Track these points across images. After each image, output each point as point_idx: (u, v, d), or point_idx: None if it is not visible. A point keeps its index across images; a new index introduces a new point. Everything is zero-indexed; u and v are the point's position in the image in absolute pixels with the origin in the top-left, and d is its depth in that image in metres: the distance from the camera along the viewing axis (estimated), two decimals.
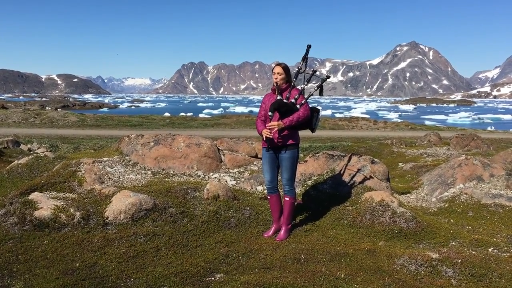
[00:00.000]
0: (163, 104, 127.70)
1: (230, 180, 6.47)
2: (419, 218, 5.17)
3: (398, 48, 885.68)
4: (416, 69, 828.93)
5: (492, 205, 6.12)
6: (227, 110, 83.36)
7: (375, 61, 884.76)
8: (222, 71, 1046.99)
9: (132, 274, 3.71)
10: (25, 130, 29.72)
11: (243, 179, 6.49)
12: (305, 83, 4.74)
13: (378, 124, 42.65)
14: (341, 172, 6.33)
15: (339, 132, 35.83)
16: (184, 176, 6.44)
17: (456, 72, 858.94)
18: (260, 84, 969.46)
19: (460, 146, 17.61)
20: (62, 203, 4.90)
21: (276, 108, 4.51)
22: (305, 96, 4.69)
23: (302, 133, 4.91)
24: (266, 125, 4.59)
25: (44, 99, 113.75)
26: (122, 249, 4.20)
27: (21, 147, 14.33)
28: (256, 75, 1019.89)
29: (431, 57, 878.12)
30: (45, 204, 4.77)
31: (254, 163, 7.08)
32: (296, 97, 4.58)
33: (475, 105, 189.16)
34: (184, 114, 57.03)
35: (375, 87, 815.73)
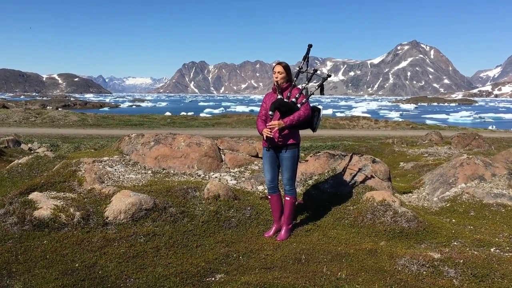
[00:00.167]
0: (164, 104, 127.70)
1: (231, 180, 6.44)
2: (420, 217, 5.14)
3: (399, 47, 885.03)
4: (417, 68, 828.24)
5: (494, 204, 6.08)
6: (228, 110, 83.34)
7: (376, 60, 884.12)
8: (223, 70, 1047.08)
9: (132, 274, 3.69)
10: (26, 129, 29.72)
11: (243, 179, 6.47)
12: (306, 82, 4.72)
13: (379, 124, 42.61)
14: (342, 171, 6.30)
15: (340, 131, 35.80)
16: (185, 176, 6.42)
17: (457, 71, 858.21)
18: (261, 84, 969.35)
19: (461, 145, 17.58)
20: (62, 203, 4.88)
21: (276, 107, 4.48)
22: (306, 96, 4.66)
23: (303, 132, 4.89)
24: (267, 124, 4.57)
25: (45, 98, 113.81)
26: (122, 249, 4.18)
27: (21, 146, 14.32)
28: (257, 74, 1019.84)
29: (432, 56, 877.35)
30: (45, 204, 4.75)
31: (255, 162, 7.06)
32: (296, 96, 4.55)
33: (476, 104, 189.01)
34: (185, 114, 57.01)
35: (376, 86, 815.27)
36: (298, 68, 4.74)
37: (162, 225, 4.76)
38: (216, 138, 7.58)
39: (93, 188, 5.40)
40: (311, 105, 4.69)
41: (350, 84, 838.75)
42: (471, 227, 5.40)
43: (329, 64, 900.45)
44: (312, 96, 4.76)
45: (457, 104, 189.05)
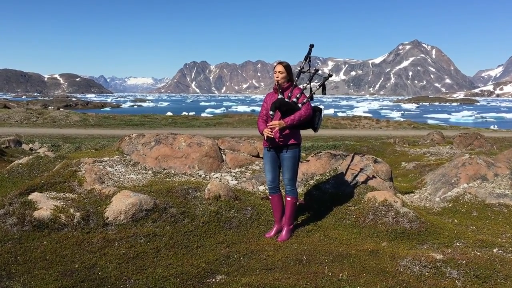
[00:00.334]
0: (165, 104, 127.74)
1: (232, 180, 6.41)
2: (422, 218, 5.11)
3: (400, 47, 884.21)
4: (418, 68, 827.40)
5: (497, 205, 6.05)
6: (229, 109, 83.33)
7: (377, 60, 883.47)
8: (225, 70, 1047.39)
9: (132, 275, 3.67)
10: (27, 129, 29.75)
11: (244, 179, 6.44)
12: (307, 82, 4.69)
13: (380, 123, 42.55)
14: (344, 171, 6.27)
15: (341, 131, 35.76)
16: (185, 176, 6.40)
17: (459, 71, 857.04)
18: (262, 83, 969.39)
19: (463, 145, 17.53)
20: (62, 203, 4.86)
21: (277, 107, 4.45)
22: (307, 95, 4.63)
23: (304, 132, 4.86)
24: (267, 124, 4.54)
25: (46, 98, 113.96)
26: (122, 250, 4.16)
27: (22, 146, 14.32)
28: (259, 74, 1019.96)
29: (433, 56, 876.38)
30: (45, 205, 4.73)
31: (256, 162, 7.03)
32: (297, 96, 4.52)
33: (478, 103, 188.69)
34: (186, 113, 57.00)
35: (377, 86, 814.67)
36: (299, 68, 4.72)
37: (163, 226, 4.73)
38: (217, 138, 7.56)
39: (93, 188, 5.38)
40: (312, 105, 4.66)
41: (351, 84, 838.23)
42: (474, 227, 5.36)
43: (330, 63, 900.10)
44: (314, 96, 4.73)
45: (458, 103, 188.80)
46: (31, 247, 4.11)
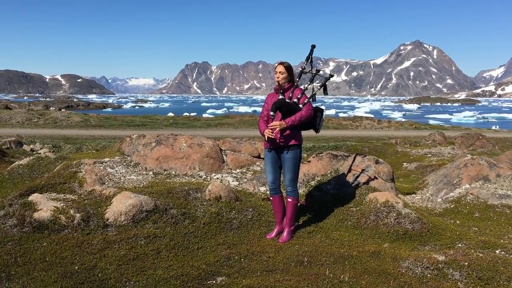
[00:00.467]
0: (167, 104, 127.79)
1: (233, 181, 6.39)
2: (424, 219, 5.08)
3: (402, 47, 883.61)
4: (420, 68, 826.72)
5: (499, 205, 6.02)
6: (230, 110, 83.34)
7: (379, 61, 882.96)
8: (226, 71, 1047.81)
9: (132, 277, 3.64)
10: (28, 130, 29.77)
11: (245, 180, 6.42)
12: (308, 82, 4.67)
13: (382, 124, 42.48)
14: (345, 172, 6.24)
15: (343, 131, 35.72)
16: (186, 177, 6.38)
17: (460, 71, 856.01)
18: (263, 84, 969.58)
19: (465, 146, 17.49)
20: (62, 204, 4.84)
21: (277, 107, 4.43)
22: (308, 96, 4.60)
23: (306, 133, 4.84)
24: (268, 125, 4.52)
25: (48, 99, 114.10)
26: (122, 252, 4.14)
27: (23, 147, 14.32)
28: (260, 75, 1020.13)
29: (435, 56, 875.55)
30: (45, 206, 4.71)
31: (257, 163, 7.01)
32: (298, 96, 4.50)
33: (480, 104, 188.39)
34: (187, 114, 57.00)
35: (379, 86, 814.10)
36: (300, 69, 4.69)
37: (163, 227, 4.71)
38: (218, 139, 7.54)
39: (93, 189, 5.36)
40: (314, 105, 4.64)
41: (353, 85, 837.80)
42: (476, 228, 5.33)
43: (331, 64, 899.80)
44: (315, 96, 4.70)
45: (460, 104, 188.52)
46: (31, 249, 4.09)
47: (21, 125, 35.46)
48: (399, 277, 3.71)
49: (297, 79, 4.63)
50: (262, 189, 6.13)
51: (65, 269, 3.74)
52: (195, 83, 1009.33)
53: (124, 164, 6.57)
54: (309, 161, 6.67)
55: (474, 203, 6.19)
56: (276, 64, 4.69)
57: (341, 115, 63.18)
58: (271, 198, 4.84)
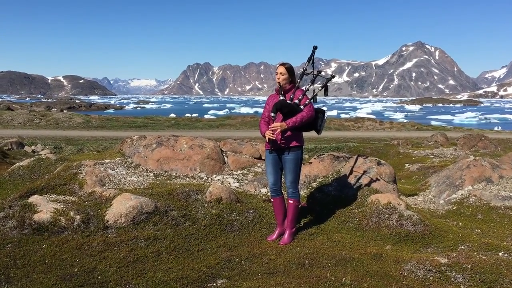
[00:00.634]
0: (168, 105, 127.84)
1: (234, 182, 6.36)
2: (426, 221, 5.04)
3: (404, 48, 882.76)
4: (422, 69, 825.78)
5: (502, 207, 5.97)
6: (232, 111, 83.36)
7: (380, 61, 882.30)
8: (228, 72, 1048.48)
9: (132, 279, 3.62)
10: (30, 131, 29.81)
11: (246, 181, 6.39)
12: (310, 83, 4.63)
13: (384, 125, 42.42)
14: (347, 174, 6.21)
15: (344, 132, 35.68)
16: (187, 178, 6.35)
17: (463, 72, 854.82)
18: (265, 85, 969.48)
19: (467, 147, 17.42)
20: (62, 206, 4.81)
21: (278, 108, 4.40)
22: (310, 97, 4.57)
23: (307, 134, 4.80)
24: (269, 126, 4.49)
25: (50, 100, 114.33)
26: (122, 254, 4.11)
27: (25, 148, 14.33)
28: (262, 75, 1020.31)
29: (437, 57, 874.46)
30: (45, 207, 4.69)
31: (258, 164, 6.98)
32: (300, 97, 4.47)
33: (482, 105, 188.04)
34: (189, 115, 57.04)
35: (380, 87, 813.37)
36: (302, 70, 4.66)
37: (163, 229, 4.68)
38: (219, 140, 7.51)
39: (93, 191, 5.34)
40: (315, 106, 4.60)
41: (354, 85, 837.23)
42: (479, 230, 5.29)
43: (333, 65, 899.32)
44: (316, 97, 4.67)
45: (462, 105, 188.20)
46: (30, 251, 4.07)
47: (23, 126, 35.52)
48: (401, 280, 3.68)
49: (299, 80, 4.60)
50: (263, 190, 6.10)
51: (65, 271, 3.71)
52: (197, 84, 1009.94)
53: (125, 165, 6.55)
54: (311, 163, 6.64)
55: (476, 205, 6.14)
56: (278, 65, 4.67)
57: (342, 116, 63.16)
58: (272, 200, 4.81)
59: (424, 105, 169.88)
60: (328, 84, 4.76)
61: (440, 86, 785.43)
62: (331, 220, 5.25)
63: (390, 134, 33.03)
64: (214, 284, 3.60)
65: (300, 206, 4.96)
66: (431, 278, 3.70)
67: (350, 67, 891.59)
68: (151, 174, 6.36)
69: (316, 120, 4.60)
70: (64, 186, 5.57)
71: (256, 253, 4.30)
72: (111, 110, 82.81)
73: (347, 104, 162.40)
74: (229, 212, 5.12)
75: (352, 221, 5.16)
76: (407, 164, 13.18)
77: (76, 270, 3.74)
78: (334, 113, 74.12)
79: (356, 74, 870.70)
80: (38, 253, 4.04)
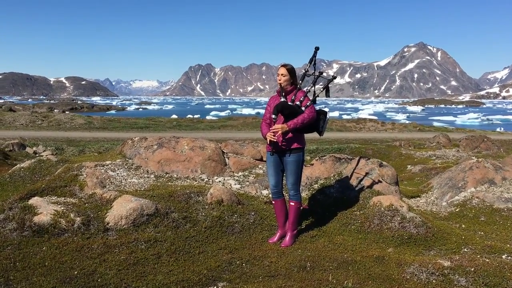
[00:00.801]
0: (170, 106, 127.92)
1: (235, 184, 6.33)
2: (429, 223, 5.00)
3: (405, 49, 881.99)
4: (424, 70, 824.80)
5: (505, 209, 5.93)
6: (234, 112, 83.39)
7: (382, 62, 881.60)
8: (229, 73, 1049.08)
9: (132, 282, 3.59)
10: (32, 132, 29.84)
11: (247, 183, 6.36)
12: (311, 85, 4.60)
13: (386, 126, 42.35)
14: (349, 175, 6.17)
15: (346, 133, 35.63)
16: (188, 180, 6.32)
17: (465, 73, 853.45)
18: (267, 86, 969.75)
19: (469, 148, 17.36)
20: (62, 208, 4.79)
21: (279, 110, 4.37)
22: (311, 98, 4.54)
23: (309, 135, 4.77)
24: (270, 128, 4.46)
25: (52, 101, 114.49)
26: (122, 256, 4.08)
27: (26, 149, 14.32)
28: (263, 77, 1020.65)
29: (439, 58, 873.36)
30: (45, 209, 4.66)
31: (259, 166, 6.95)
32: (301, 99, 4.43)
33: (484, 106, 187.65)
34: (191, 116, 57.07)
35: (382, 88, 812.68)
36: (304, 71, 4.63)
37: (164, 231, 4.65)
38: (221, 141, 7.49)
39: (94, 192, 5.31)
40: (317, 108, 4.57)
41: (356, 86, 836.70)
42: (482, 233, 5.25)
43: (335, 66, 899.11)
44: (318, 98, 4.64)
45: (464, 106, 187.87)
46: (30, 253, 4.04)
47: (25, 127, 35.57)
48: (403, 283, 3.64)
49: (300, 82, 4.57)
50: (265, 192, 6.07)
51: (64, 274, 3.69)
52: (199, 85, 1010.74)
53: (126, 167, 6.52)
54: (312, 164, 6.61)
55: (479, 207, 6.10)
56: (279, 67, 4.64)
57: (344, 117, 63.11)
58: (273, 202, 4.78)
59: (426, 106, 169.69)
60: (330, 85, 4.73)
61: (442, 87, 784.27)
62: (332, 222, 5.21)
63: (392, 135, 32.98)
64: (215, 287, 3.57)
65: (301, 208, 4.92)
66: (434, 281, 3.66)
67: (352, 68, 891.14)
68: (152, 176, 6.33)
69: (318, 122, 4.57)
70: (65, 188, 5.55)
71: (257, 255, 4.27)
72: (113, 111, 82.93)
73: (349, 105, 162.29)
74: (230, 214, 5.08)
75: (354, 223, 5.13)
76: (409, 166, 13.13)
77: (76, 272, 3.72)
78: (336, 114, 74.08)
79: (358, 75, 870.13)
80: (38, 255, 4.01)
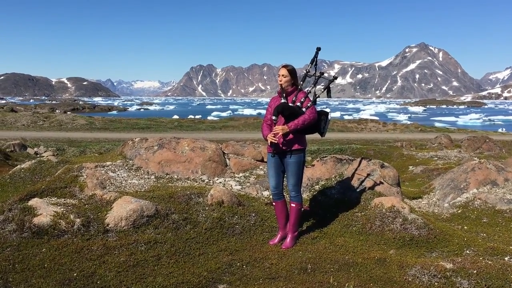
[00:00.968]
0: (172, 107, 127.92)
1: (235, 185, 6.30)
2: (431, 224, 4.96)
3: (407, 50, 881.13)
4: (425, 70, 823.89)
5: (508, 211, 5.89)
6: (235, 113, 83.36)
7: (384, 63, 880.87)
8: (231, 73, 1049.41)
9: (131, 284, 3.57)
10: (33, 133, 29.85)
11: (248, 184, 6.33)
12: (312, 85, 4.57)
13: (387, 126, 42.27)
14: (350, 176, 6.14)
15: (347, 134, 35.57)
16: (188, 181, 6.30)
17: (466, 74, 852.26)
18: (268, 87, 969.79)
19: (471, 149, 17.31)
20: (62, 209, 4.77)
21: (279, 111, 4.34)
22: (312, 99, 4.51)
23: (310, 136, 4.74)
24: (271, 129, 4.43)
25: (54, 102, 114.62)
26: (122, 258, 4.06)
27: (27, 150, 14.32)
28: (265, 77, 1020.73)
29: (440, 59, 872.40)
30: (45, 211, 4.64)
31: (260, 167, 6.92)
32: (302, 100, 4.41)
33: (486, 106, 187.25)
34: (192, 117, 57.05)
35: (384, 88, 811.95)
36: (305, 71, 4.60)
37: (164, 233, 4.63)
38: (222, 142, 7.46)
39: (94, 194, 5.29)
40: (318, 108, 4.54)
41: (358, 87, 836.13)
42: (484, 234, 5.21)
43: (336, 67, 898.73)
44: (319, 99, 4.61)
45: (466, 106, 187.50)
46: (29, 255, 4.02)
47: (26, 128, 35.59)
48: (405, 285, 3.61)
49: (301, 82, 4.54)
50: (265, 193, 6.04)
51: (64, 276, 3.67)
52: (200, 86, 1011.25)
53: (126, 168, 6.50)
54: (313, 165, 6.58)
55: (482, 208, 6.06)
56: (280, 67, 4.61)
57: (346, 117, 63.01)
58: (274, 203, 4.75)
59: (427, 106, 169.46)
60: (331, 86, 4.71)
61: (443, 87, 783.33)
62: (334, 223, 5.18)
63: (393, 136, 32.92)
64: None
65: (302, 209, 4.90)
66: (436, 283, 3.63)
67: (353, 68, 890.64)
68: (152, 177, 6.31)
69: (319, 123, 4.54)
70: (65, 189, 5.53)
71: (257, 257, 4.24)
72: (114, 112, 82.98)
73: (350, 105, 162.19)
74: (230, 216, 5.06)
75: (355, 224, 5.10)
76: (411, 166, 13.08)
77: (75, 274, 3.69)
78: (337, 114, 74.01)
79: (359, 76, 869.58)
80: (37, 257, 3.99)
